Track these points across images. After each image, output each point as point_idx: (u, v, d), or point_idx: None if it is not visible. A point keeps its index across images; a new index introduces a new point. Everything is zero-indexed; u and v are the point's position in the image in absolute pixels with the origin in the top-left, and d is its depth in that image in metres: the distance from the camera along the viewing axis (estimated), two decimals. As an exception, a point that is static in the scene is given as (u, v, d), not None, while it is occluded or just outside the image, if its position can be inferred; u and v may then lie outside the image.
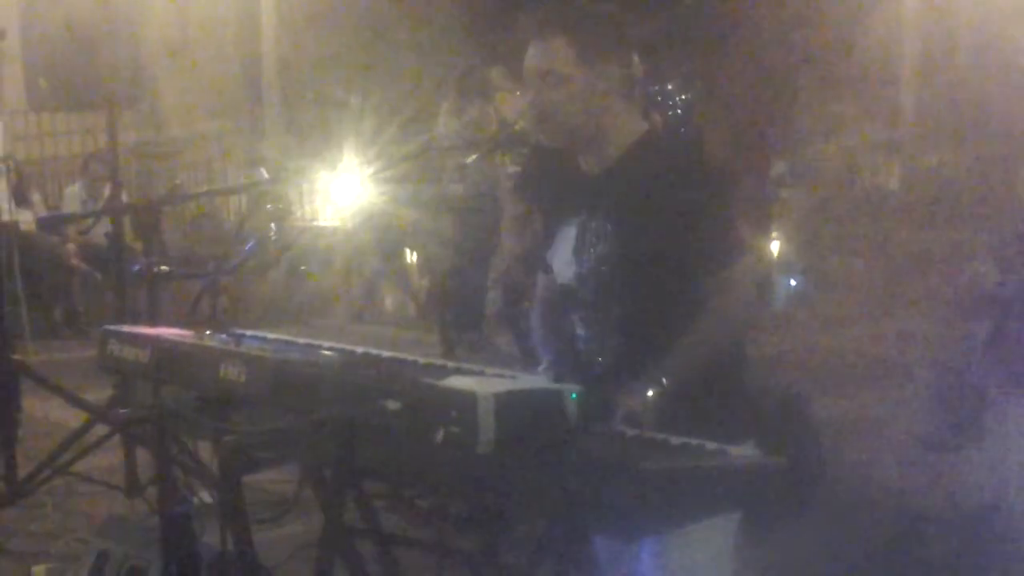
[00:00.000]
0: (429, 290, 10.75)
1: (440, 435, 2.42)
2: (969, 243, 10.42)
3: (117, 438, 5.34)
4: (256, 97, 13.40)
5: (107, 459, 5.77)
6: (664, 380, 2.93)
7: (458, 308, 9.25)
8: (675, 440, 2.66)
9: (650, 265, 3.03)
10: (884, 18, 13.16)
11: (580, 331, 3.19)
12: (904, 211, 12.15)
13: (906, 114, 13.53)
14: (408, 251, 11.30)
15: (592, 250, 3.11)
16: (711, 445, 2.62)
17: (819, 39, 13.31)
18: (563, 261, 3.20)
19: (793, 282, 10.48)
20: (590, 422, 2.62)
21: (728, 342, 3.10)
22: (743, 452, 2.63)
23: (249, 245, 3.47)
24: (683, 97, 10.50)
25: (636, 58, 3.17)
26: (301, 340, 3.26)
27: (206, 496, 3.26)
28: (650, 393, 2.89)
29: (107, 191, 8.13)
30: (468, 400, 2.40)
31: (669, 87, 10.36)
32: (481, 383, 2.51)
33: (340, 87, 11.58)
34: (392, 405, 2.52)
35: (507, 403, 2.42)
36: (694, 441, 2.64)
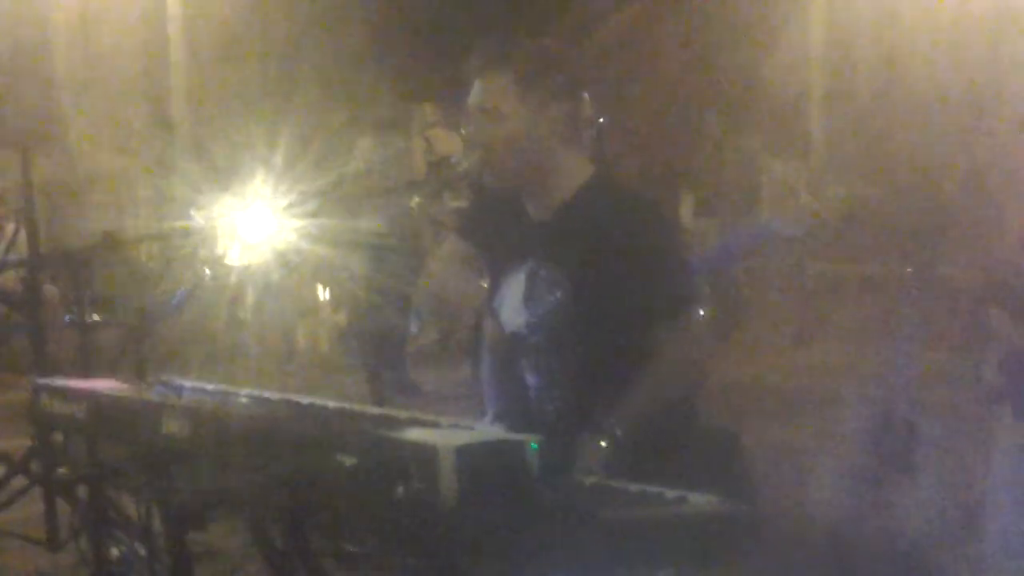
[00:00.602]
0: (346, 328, 10.64)
1: (400, 491, 2.35)
2: (880, 273, 10.57)
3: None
4: (166, 133, 13.21)
5: (21, 511, 5.59)
6: (617, 431, 2.90)
7: (377, 347, 9.14)
8: (633, 487, 2.63)
9: (602, 313, 2.99)
10: (790, 52, 13.33)
11: (530, 379, 3.13)
12: (815, 242, 12.28)
13: (813, 146, 13.70)
14: (320, 288, 11.19)
15: (542, 298, 3.05)
16: (671, 493, 2.58)
17: (725, 73, 13.46)
18: (511, 308, 3.14)
19: (702, 312, 10.46)
20: (547, 472, 2.57)
21: (682, 389, 3.07)
22: (703, 499, 2.60)
23: (181, 291, 3.38)
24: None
25: (585, 97, 3.13)
26: (243, 391, 3.16)
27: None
28: (603, 443, 2.85)
29: (9, 232, 7.92)
30: (429, 454, 2.33)
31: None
32: (441, 436, 2.45)
33: (250, 121, 11.45)
34: (348, 460, 2.45)
35: (468, 456, 2.36)
36: (652, 488, 2.60)
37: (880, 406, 5.95)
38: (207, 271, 3.46)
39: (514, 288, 3.13)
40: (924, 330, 5.62)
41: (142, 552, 3.10)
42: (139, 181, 12.81)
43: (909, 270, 4.82)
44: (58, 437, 3.23)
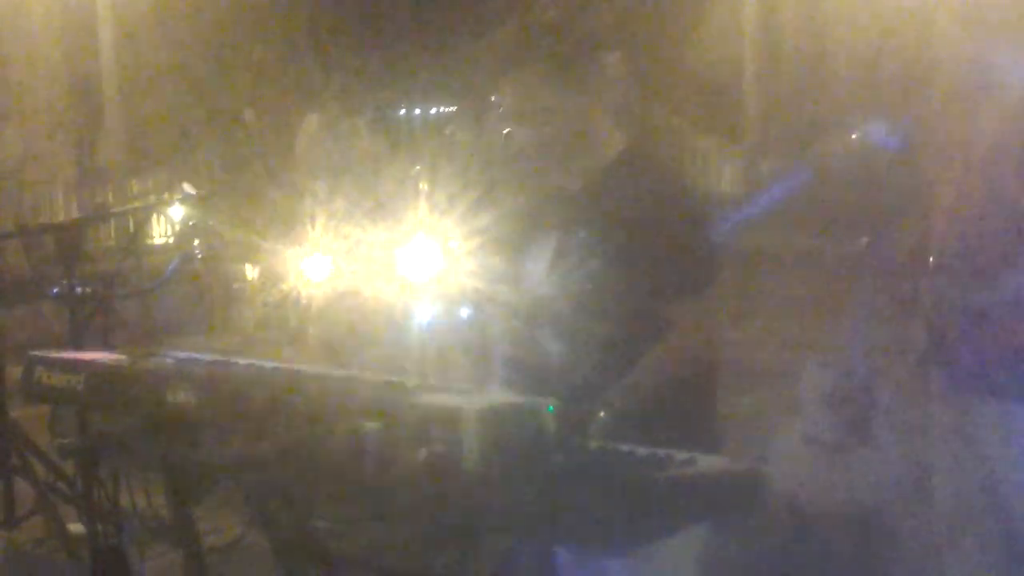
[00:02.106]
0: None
1: (423, 454, 2.36)
2: (816, 247, 10.70)
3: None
4: (94, 114, 13.03)
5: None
6: (613, 401, 2.92)
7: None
8: (642, 451, 2.65)
9: (626, 283, 2.99)
10: (722, 27, 13.43)
11: (553, 345, 3.14)
12: (748, 216, 12.39)
13: (745, 122, 13.82)
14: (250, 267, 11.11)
15: (572, 266, 3.06)
16: (681, 455, 2.60)
17: (655, 51, 13.53)
18: (538, 275, 3.14)
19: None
20: (560, 436, 2.58)
21: (692, 365, 3.08)
22: (711, 460, 2.63)
23: (173, 262, 3.35)
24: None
25: (612, 65, 3.13)
26: (242, 360, 3.13)
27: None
28: (601, 413, 2.88)
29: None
30: (452, 417, 2.34)
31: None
32: (461, 399, 2.46)
33: (185, 100, 11.34)
34: (367, 425, 2.45)
35: (489, 419, 2.38)
36: (661, 451, 2.63)
37: (828, 377, 6.04)
38: (197, 242, 3.44)
39: (541, 255, 3.14)
40: (865, 302, 5.70)
41: (144, 523, 3.07)
42: (70, 160, 12.67)
43: (865, 240, 4.88)
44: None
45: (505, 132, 3.09)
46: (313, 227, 9.58)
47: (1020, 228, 3.94)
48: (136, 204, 4.61)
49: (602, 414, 2.93)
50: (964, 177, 4.11)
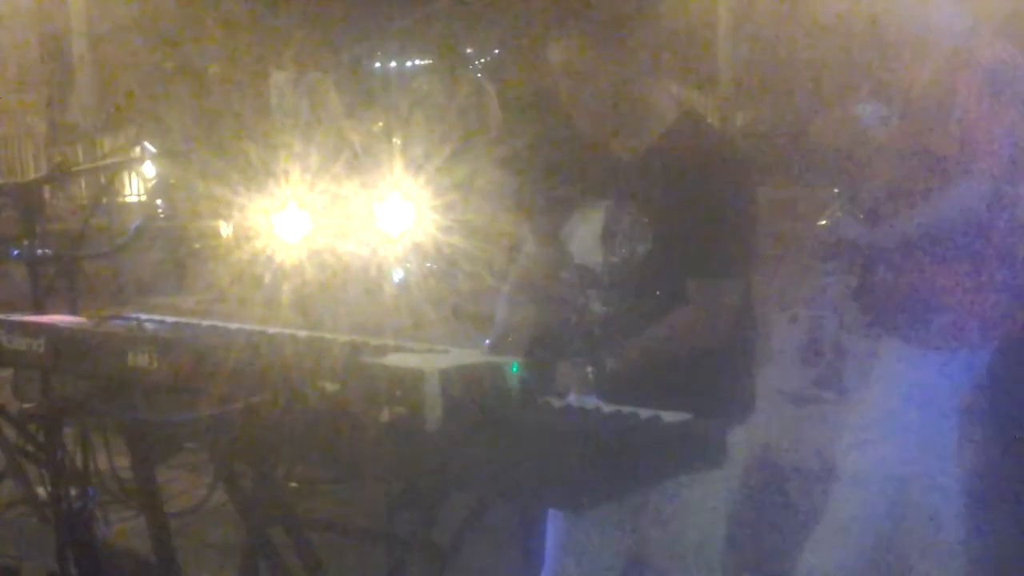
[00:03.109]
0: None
1: (385, 414, 2.35)
2: (795, 197, 10.68)
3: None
4: (63, 70, 12.92)
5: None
6: (608, 365, 2.92)
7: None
8: (606, 408, 2.64)
9: (678, 254, 2.98)
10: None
11: (597, 307, 3.12)
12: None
13: (720, 74, 13.78)
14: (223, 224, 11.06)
15: (625, 238, 3.03)
16: (644, 412, 2.60)
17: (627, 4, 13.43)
18: (586, 242, 3.12)
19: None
20: (528, 396, 2.58)
21: (710, 342, 3.05)
22: (675, 417, 2.62)
23: (136, 222, 3.31)
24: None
25: (667, 36, 3.08)
26: (205, 322, 3.12)
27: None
28: (589, 369, 2.87)
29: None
30: (414, 378, 2.33)
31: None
32: (423, 360, 2.44)
33: (157, 56, 11.24)
34: (330, 386, 2.44)
35: (452, 379, 2.37)
36: (625, 409, 2.62)
37: (805, 328, 6.06)
38: (159, 201, 3.40)
39: (590, 222, 3.11)
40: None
41: (109, 486, 3.06)
42: (39, 117, 12.57)
43: (836, 191, 4.88)
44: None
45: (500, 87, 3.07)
46: (286, 183, 9.54)
47: (932, 176, 4.03)
48: (97, 163, 4.54)
49: (589, 370, 2.92)
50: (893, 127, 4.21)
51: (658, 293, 3.03)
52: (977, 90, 3.98)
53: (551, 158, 3.33)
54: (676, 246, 2.98)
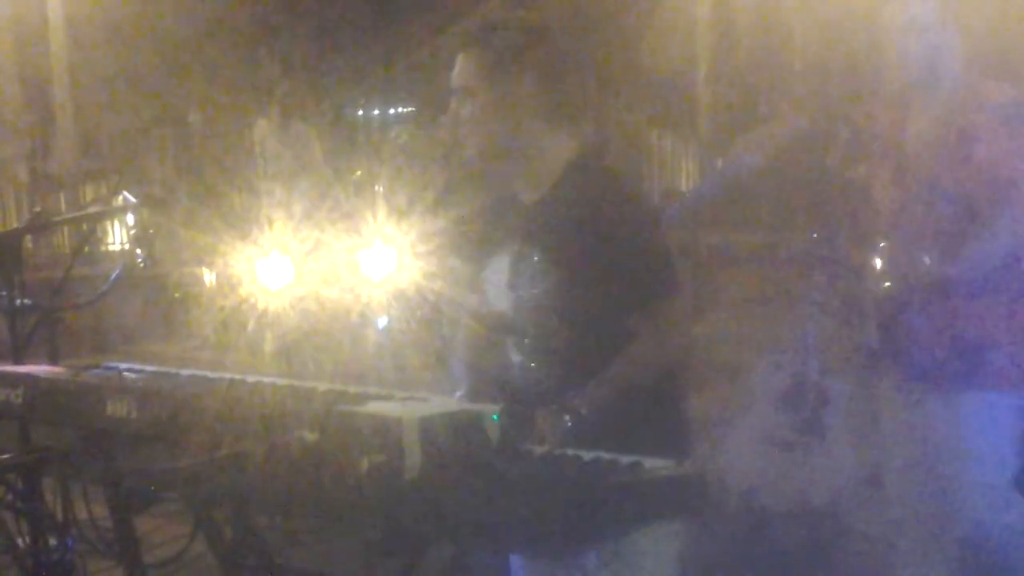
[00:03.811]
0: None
1: (365, 463, 2.35)
2: (774, 243, 10.71)
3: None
4: (45, 118, 12.92)
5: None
6: (582, 409, 2.91)
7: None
8: (587, 455, 2.64)
9: (589, 295, 2.97)
10: (672, 24, 13.43)
11: (515, 357, 3.12)
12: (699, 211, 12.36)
13: (699, 116, 13.82)
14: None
15: (531, 280, 3.03)
16: (625, 459, 2.59)
17: (607, 48, 13.52)
18: (499, 287, 3.12)
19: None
20: (507, 444, 2.58)
21: (657, 373, 3.05)
22: (657, 464, 2.62)
23: (115, 272, 3.32)
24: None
25: (573, 71, 3.08)
26: (184, 371, 3.11)
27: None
28: (566, 418, 2.86)
29: None
30: (393, 426, 2.33)
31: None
32: (403, 408, 2.44)
33: (139, 105, 11.26)
34: (309, 435, 2.43)
35: (431, 427, 2.37)
36: (606, 455, 2.62)
37: (784, 375, 6.07)
38: (139, 251, 3.40)
39: (502, 267, 3.11)
40: (817, 298, 5.70)
41: (87, 536, 3.05)
42: (18, 168, 12.56)
43: (814, 235, 4.89)
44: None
45: (456, 136, 3.07)
46: (269, 230, 9.54)
47: (957, 221, 3.99)
48: (77, 213, 4.55)
49: (568, 421, 2.92)
50: (903, 172, 4.15)
51: (574, 333, 3.04)
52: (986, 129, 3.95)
53: (461, 205, 3.35)
54: (583, 287, 2.99)
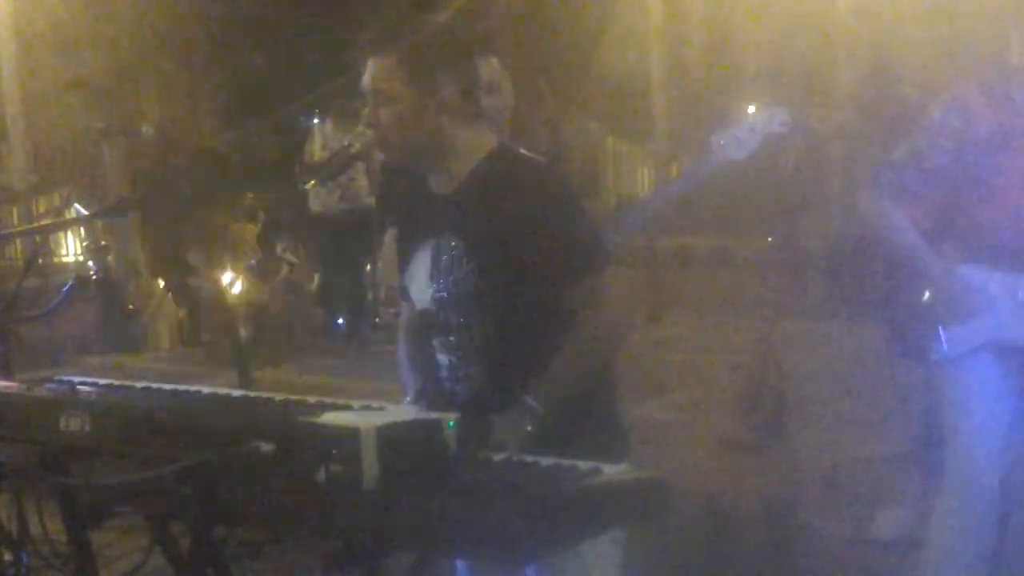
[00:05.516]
0: (189, 319, 10.52)
1: (322, 473, 2.34)
2: (728, 247, 10.78)
3: None
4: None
5: None
6: (538, 408, 2.90)
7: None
8: (546, 461, 2.63)
9: (511, 284, 2.98)
10: (627, 32, 13.48)
11: (441, 357, 3.12)
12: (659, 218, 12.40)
13: (654, 123, 13.85)
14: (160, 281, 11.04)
15: (448, 273, 3.03)
16: (584, 465, 2.59)
17: (562, 52, 13.56)
18: (419, 285, 3.12)
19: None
20: (462, 450, 2.57)
21: (598, 356, 3.06)
22: (616, 469, 2.62)
23: (67, 284, 3.29)
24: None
25: (485, 68, 3.09)
26: (139, 384, 3.09)
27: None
28: (528, 426, 2.86)
29: None
30: (351, 436, 2.32)
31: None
32: (360, 418, 2.43)
33: (89, 114, 11.19)
34: (265, 447, 2.42)
35: (389, 436, 2.36)
36: (565, 462, 2.61)
37: (743, 376, 6.11)
38: (91, 264, 3.38)
39: (421, 265, 3.11)
40: (778, 299, 5.75)
41: (41, 552, 3.01)
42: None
43: (769, 239, 4.92)
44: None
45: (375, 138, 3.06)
46: (223, 240, 9.52)
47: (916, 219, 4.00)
48: (29, 225, 4.52)
49: (529, 428, 2.91)
50: (861, 172, 4.18)
51: (499, 326, 3.03)
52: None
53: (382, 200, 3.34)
54: (502, 276, 2.99)
